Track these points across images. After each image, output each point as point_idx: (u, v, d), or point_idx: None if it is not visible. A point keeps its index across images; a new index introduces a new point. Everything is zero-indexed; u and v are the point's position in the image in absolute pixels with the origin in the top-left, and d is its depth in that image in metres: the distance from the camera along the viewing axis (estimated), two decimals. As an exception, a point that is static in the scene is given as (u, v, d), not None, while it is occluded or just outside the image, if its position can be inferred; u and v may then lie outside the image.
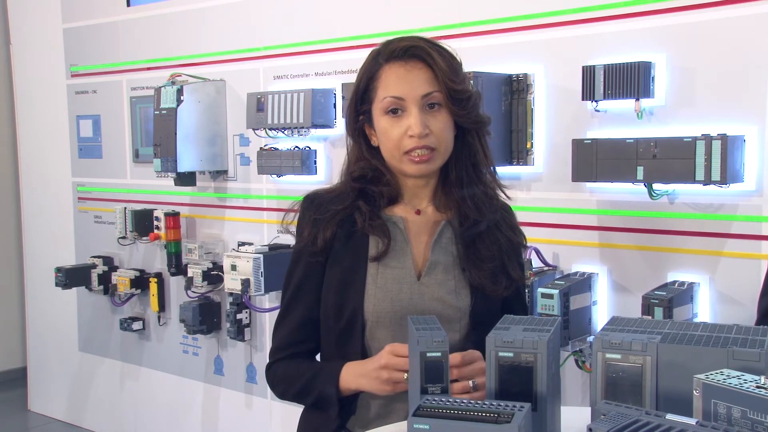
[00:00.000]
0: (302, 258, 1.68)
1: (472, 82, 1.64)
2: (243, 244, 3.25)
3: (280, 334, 1.72)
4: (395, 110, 1.58)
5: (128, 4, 3.82)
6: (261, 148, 3.20)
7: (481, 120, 1.65)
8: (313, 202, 1.69)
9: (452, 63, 1.61)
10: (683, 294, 2.15)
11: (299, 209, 1.71)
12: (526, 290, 2.29)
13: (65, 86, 4.19)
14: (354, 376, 1.56)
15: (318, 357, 1.74)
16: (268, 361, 1.75)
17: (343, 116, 2.90)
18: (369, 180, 1.66)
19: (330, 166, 3.08)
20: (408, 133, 1.56)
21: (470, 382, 1.46)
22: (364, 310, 1.61)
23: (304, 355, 1.70)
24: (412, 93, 1.57)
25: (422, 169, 1.60)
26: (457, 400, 1.11)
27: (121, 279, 3.77)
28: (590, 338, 2.30)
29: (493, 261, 1.64)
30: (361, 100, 1.64)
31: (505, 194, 1.73)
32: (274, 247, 3.10)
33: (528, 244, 2.42)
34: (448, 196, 1.67)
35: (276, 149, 3.15)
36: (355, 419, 1.63)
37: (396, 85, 1.58)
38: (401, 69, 1.59)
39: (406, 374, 1.45)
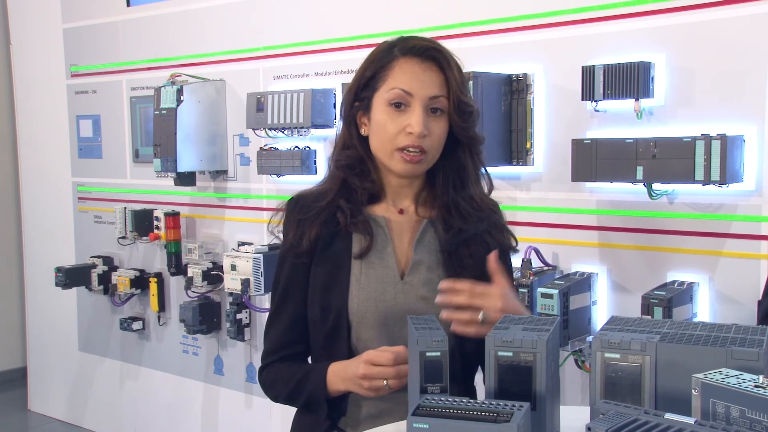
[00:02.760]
0: (287, 260, 1.68)
1: (471, 84, 1.64)
2: (243, 244, 3.25)
3: (270, 338, 1.72)
4: (399, 104, 1.57)
5: (128, 4, 3.82)
6: (261, 148, 3.20)
7: (476, 137, 1.65)
8: (297, 204, 1.69)
9: (463, 75, 1.62)
10: (683, 294, 2.15)
11: (284, 211, 1.70)
12: (526, 290, 2.30)
13: (65, 86, 4.19)
14: (339, 378, 1.57)
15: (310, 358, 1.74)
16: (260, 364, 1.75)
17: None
18: (354, 173, 1.65)
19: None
20: (407, 130, 1.55)
21: (480, 314, 1.45)
22: (349, 311, 1.60)
23: (295, 357, 1.70)
24: (421, 91, 1.56)
25: (410, 169, 1.59)
26: (456, 400, 1.11)
27: (121, 279, 3.77)
28: (590, 338, 2.30)
29: (476, 269, 1.62)
30: (364, 86, 1.62)
31: (494, 203, 1.72)
32: (273, 247, 3.09)
33: (528, 245, 2.43)
34: (432, 198, 1.67)
35: (276, 149, 3.15)
36: (346, 419, 1.63)
37: (408, 79, 1.57)
38: (417, 66, 1.58)
39: (385, 381, 1.45)
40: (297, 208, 1.68)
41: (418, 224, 1.66)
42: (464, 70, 1.64)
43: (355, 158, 1.65)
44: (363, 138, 1.65)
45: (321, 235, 1.64)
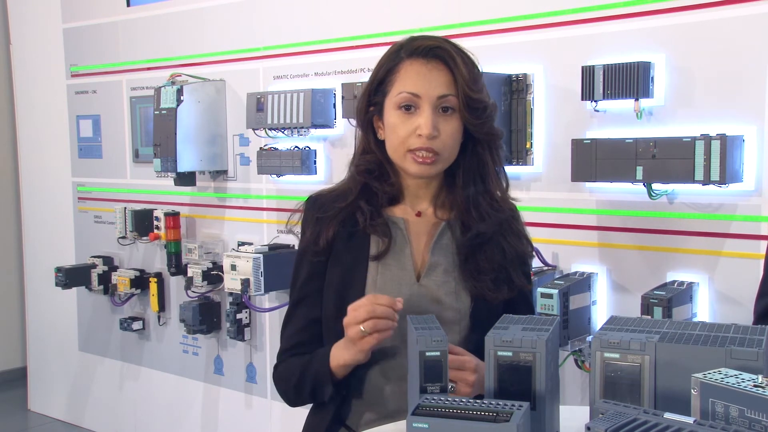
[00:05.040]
0: (305, 259, 1.68)
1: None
2: (243, 243, 3.25)
3: (285, 336, 1.72)
4: (408, 107, 1.57)
5: (128, 4, 3.82)
6: (261, 148, 3.20)
7: (494, 132, 1.63)
8: (316, 203, 1.69)
9: (473, 71, 1.60)
10: (682, 294, 2.15)
11: (302, 210, 1.71)
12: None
13: (65, 86, 4.19)
14: (337, 349, 1.57)
15: None
16: (274, 362, 1.75)
17: (344, 116, 2.91)
18: (374, 176, 1.65)
19: (330, 166, 3.08)
20: (417, 132, 1.55)
21: (450, 385, 1.45)
22: None
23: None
24: (428, 92, 1.56)
25: (423, 170, 1.59)
26: (456, 399, 1.11)
27: (121, 279, 3.77)
28: (589, 338, 2.30)
29: (492, 273, 1.62)
30: (375, 90, 1.63)
31: (513, 207, 1.72)
32: (273, 247, 3.10)
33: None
34: (450, 199, 1.67)
35: (276, 149, 3.15)
36: (354, 419, 1.63)
37: (414, 81, 1.57)
38: (422, 67, 1.58)
39: (362, 327, 1.45)
40: (315, 206, 1.68)
41: (436, 226, 1.66)
42: (477, 64, 1.63)
43: (374, 162, 1.66)
44: (380, 142, 1.65)
45: (338, 235, 1.64)
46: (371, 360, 1.58)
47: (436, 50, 1.59)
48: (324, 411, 1.64)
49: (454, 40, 1.67)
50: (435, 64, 1.58)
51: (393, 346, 1.59)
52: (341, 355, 1.56)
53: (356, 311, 1.47)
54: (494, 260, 1.63)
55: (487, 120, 1.61)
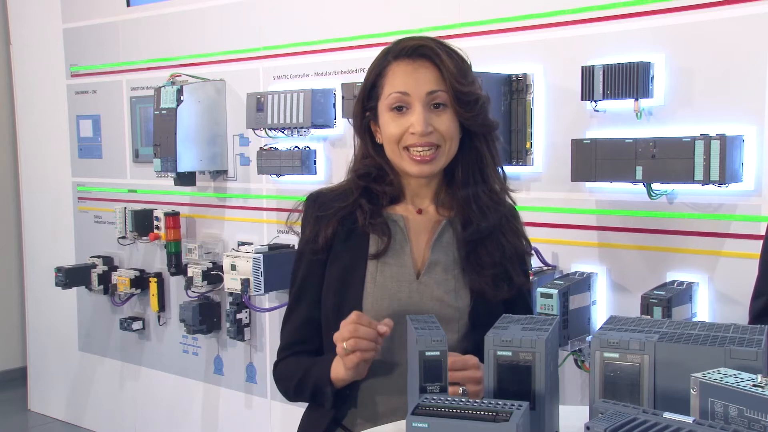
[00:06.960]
0: (305, 256, 1.69)
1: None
2: (243, 243, 3.26)
3: (285, 334, 1.73)
4: (400, 107, 1.58)
5: (128, 4, 3.83)
6: (261, 148, 3.20)
7: (489, 124, 1.64)
8: (316, 201, 1.70)
9: (461, 65, 1.61)
10: (682, 294, 2.15)
11: (302, 208, 1.71)
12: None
13: (65, 86, 4.19)
14: (337, 362, 1.56)
15: None
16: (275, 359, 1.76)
17: (343, 116, 2.91)
18: (373, 178, 1.66)
19: (330, 166, 3.08)
20: (410, 131, 1.56)
21: (459, 388, 1.45)
22: (363, 308, 1.61)
23: (308, 353, 1.70)
24: (417, 89, 1.57)
25: (424, 169, 1.60)
26: (456, 399, 1.11)
27: (121, 279, 3.78)
28: (589, 337, 2.30)
29: (494, 267, 1.62)
30: (368, 96, 1.64)
31: (512, 200, 1.73)
32: (273, 247, 3.10)
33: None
34: (451, 196, 1.67)
35: (276, 149, 3.15)
36: (356, 412, 1.63)
37: (402, 80, 1.58)
38: (408, 66, 1.59)
39: (345, 343, 1.45)
40: (316, 205, 1.69)
41: (437, 224, 1.67)
42: (466, 58, 1.64)
43: (372, 166, 1.67)
44: (378, 146, 1.67)
45: (338, 233, 1.65)
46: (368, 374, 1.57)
47: (420, 49, 1.60)
48: (321, 410, 1.65)
49: (453, 41, 1.68)
50: (421, 63, 1.59)
51: (386, 361, 1.59)
52: (339, 369, 1.56)
53: (342, 328, 1.47)
54: (494, 256, 1.64)
55: (480, 112, 1.62)
